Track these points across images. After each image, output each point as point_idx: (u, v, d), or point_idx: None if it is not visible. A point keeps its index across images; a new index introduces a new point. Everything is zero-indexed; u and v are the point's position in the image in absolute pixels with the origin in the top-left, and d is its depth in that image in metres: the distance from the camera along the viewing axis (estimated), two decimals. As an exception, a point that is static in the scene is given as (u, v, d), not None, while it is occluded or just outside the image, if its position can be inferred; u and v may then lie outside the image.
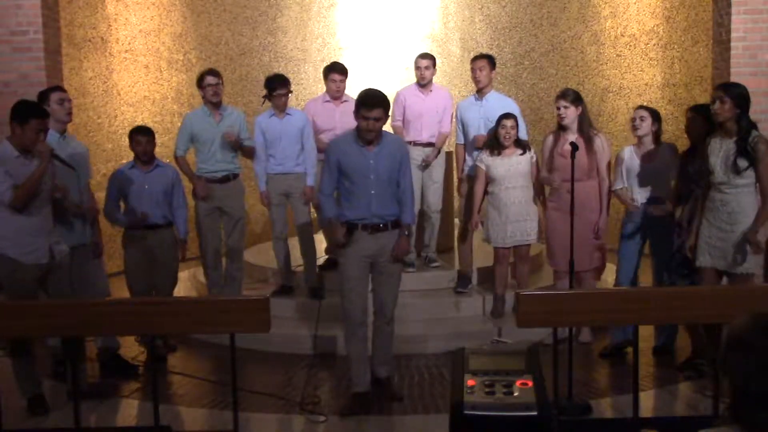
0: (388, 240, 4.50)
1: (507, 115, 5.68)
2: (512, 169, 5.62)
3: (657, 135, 5.21)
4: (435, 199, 6.39)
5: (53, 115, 4.76)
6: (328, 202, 4.55)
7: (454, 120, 6.52)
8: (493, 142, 5.68)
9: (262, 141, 6.09)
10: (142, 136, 5.34)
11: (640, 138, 5.20)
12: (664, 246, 5.07)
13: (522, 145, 5.70)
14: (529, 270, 5.98)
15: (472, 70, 6.04)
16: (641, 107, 5.29)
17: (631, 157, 5.24)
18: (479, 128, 5.99)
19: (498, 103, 6.04)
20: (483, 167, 5.69)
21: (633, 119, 5.22)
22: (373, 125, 4.33)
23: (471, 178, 6.03)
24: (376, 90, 4.45)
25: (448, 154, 6.65)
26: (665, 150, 5.20)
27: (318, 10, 9.51)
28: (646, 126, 5.15)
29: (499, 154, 5.65)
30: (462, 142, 6.21)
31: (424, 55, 6.42)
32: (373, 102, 4.31)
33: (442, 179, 6.45)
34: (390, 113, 4.64)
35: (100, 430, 4.41)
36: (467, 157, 6.13)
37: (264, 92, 6.11)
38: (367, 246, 4.46)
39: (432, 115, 6.33)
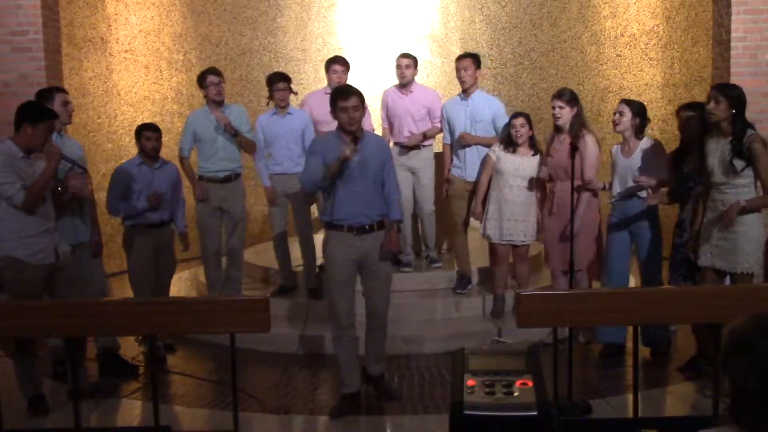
0: (375, 241, 4.42)
1: (517, 114, 5.70)
2: (520, 168, 5.62)
3: (639, 129, 5.19)
4: (426, 202, 6.36)
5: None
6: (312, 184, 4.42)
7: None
8: (508, 140, 5.68)
9: (262, 139, 6.09)
10: (151, 132, 5.39)
11: (621, 134, 5.21)
12: (647, 244, 5.10)
13: (535, 148, 5.69)
14: (528, 270, 5.98)
15: (457, 69, 6.01)
16: (622, 101, 5.27)
17: (616, 154, 5.27)
18: (465, 128, 5.98)
19: (484, 102, 6.03)
20: (493, 157, 5.69)
21: (614, 113, 5.23)
22: (353, 114, 4.29)
23: (453, 179, 6.05)
24: (349, 84, 4.48)
25: (438, 155, 6.61)
26: (649, 147, 5.17)
27: (318, 10, 9.51)
28: (626, 121, 5.15)
29: (513, 151, 5.64)
30: (449, 142, 6.15)
31: (405, 55, 6.37)
32: (347, 90, 4.34)
33: (431, 181, 6.38)
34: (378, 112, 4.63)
35: (100, 430, 4.41)
36: (453, 158, 6.11)
37: (268, 93, 6.13)
38: (353, 248, 4.38)
39: (413, 115, 6.27)
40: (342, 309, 4.42)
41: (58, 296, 4.45)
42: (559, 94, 5.36)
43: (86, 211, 5.03)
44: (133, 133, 8.28)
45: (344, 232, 4.37)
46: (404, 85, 6.32)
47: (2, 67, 6.53)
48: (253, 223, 8.87)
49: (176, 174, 5.59)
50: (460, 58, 6.06)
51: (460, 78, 5.99)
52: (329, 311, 4.54)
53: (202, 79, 5.98)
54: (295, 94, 6.35)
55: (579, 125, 5.35)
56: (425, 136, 6.29)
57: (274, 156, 6.08)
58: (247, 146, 6.07)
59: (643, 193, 5.10)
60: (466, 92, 6.02)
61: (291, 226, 6.33)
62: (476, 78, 6.02)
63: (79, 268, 4.82)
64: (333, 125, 6.10)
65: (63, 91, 5.15)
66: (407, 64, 6.29)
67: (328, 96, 6.28)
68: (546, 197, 5.63)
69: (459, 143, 5.99)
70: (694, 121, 4.83)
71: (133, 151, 8.29)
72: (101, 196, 5.69)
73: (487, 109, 5.95)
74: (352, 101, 4.29)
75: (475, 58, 6.03)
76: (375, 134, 4.85)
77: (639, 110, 5.18)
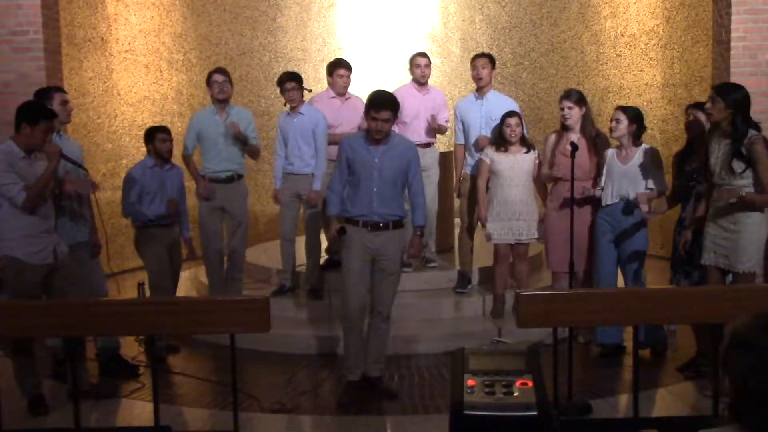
0: (389, 239, 4.55)
1: (511, 113, 5.69)
2: (516, 167, 5.62)
3: (636, 135, 5.16)
4: (430, 201, 6.33)
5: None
6: (334, 199, 4.63)
7: (452, 119, 6.50)
8: (499, 140, 5.68)
9: (281, 139, 6.12)
10: (165, 134, 5.45)
11: (618, 139, 5.20)
12: (632, 249, 5.10)
13: (527, 144, 5.70)
14: (528, 269, 5.97)
15: (474, 68, 6.03)
16: (618, 108, 5.26)
17: (611, 158, 5.24)
18: (480, 127, 5.99)
19: (498, 102, 6.04)
20: (487, 161, 5.69)
21: (610, 120, 5.23)
22: (381, 126, 4.43)
23: (472, 177, 6.03)
24: (386, 91, 4.58)
25: (443, 155, 6.61)
26: (643, 153, 5.15)
27: (318, 10, 9.51)
28: (622, 128, 5.13)
29: (505, 151, 5.64)
30: (462, 142, 6.19)
31: (423, 54, 6.45)
32: (382, 103, 4.42)
33: (436, 180, 6.42)
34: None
35: (100, 430, 4.41)
36: (468, 157, 6.13)
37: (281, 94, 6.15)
38: (368, 242, 4.52)
39: (429, 114, 6.33)
40: (355, 299, 4.53)
41: (56, 296, 4.45)
42: (567, 95, 5.36)
43: (85, 211, 5.03)
44: (133, 133, 8.39)
45: (359, 227, 4.52)
46: (422, 84, 6.36)
47: (2, 67, 6.53)
48: (254, 223, 8.87)
49: (182, 177, 5.64)
50: (477, 57, 6.08)
51: (477, 76, 6.01)
52: (343, 302, 4.61)
53: (208, 78, 6.01)
54: (309, 91, 6.35)
55: (591, 124, 5.37)
56: (440, 130, 6.39)
57: (287, 156, 6.10)
58: (252, 152, 6.10)
59: (644, 207, 5.11)
60: (480, 91, 6.05)
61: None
62: (491, 78, 6.07)
63: (77, 268, 4.82)
64: (340, 129, 6.16)
65: (61, 90, 5.16)
66: (426, 63, 6.40)
67: (332, 101, 6.37)
68: (547, 196, 5.62)
69: (476, 147, 6.00)
70: (698, 121, 4.83)
71: (133, 151, 8.36)
72: (101, 197, 5.69)
73: (501, 109, 5.96)
74: (384, 114, 4.41)
75: (491, 58, 6.07)
76: (403, 138, 4.87)
77: (635, 116, 5.16)
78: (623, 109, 5.24)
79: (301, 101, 6.08)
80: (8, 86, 6.48)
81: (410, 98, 6.36)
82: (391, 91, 4.59)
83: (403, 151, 4.57)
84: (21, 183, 4.24)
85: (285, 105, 6.19)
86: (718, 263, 4.49)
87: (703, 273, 4.66)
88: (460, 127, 6.15)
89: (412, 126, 6.33)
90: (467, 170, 6.12)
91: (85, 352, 4.91)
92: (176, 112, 8.86)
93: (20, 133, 4.31)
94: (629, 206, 5.11)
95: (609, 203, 5.18)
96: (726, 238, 4.42)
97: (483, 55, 6.12)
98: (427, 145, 6.33)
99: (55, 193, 4.57)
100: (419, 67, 6.35)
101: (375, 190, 4.49)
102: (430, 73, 6.45)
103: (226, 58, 9.06)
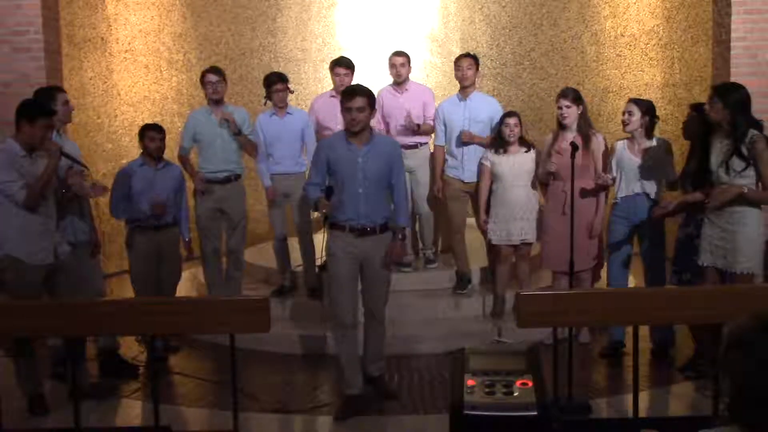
0: (376, 243, 4.43)
1: (510, 113, 5.69)
2: (517, 168, 5.62)
3: (649, 128, 5.17)
4: (423, 201, 6.32)
5: (58, 116, 4.80)
6: (314, 189, 4.43)
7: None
8: (498, 141, 5.67)
9: (263, 140, 6.09)
10: (155, 132, 5.35)
11: (631, 133, 5.19)
12: (651, 243, 5.10)
13: (527, 144, 5.69)
14: (529, 270, 5.97)
15: (459, 68, 5.97)
16: (631, 101, 5.25)
17: (622, 150, 5.22)
18: (463, 128, 5.96)
19: (482, 102, 6.03)
20: (488, 164, 5.69)
21: (623, 113, 5.22)
22: (356, 116, 4.27)
23: (450, 180, 6.02)
24: (359, 84, 4.47)
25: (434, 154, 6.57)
26: (658, 146, 5.18)
27: (318, 10, 9.50)
28: (635, 121, 5.13)
29: (504, 152, 5.64)
30: (442, 143, 6.11)
31: (399, 53, 6.33)
32: (352, 91, 4.32)
33: (426, 182, 6.30)
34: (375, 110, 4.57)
35: (100, 430, 4.41)
36: (447, 158, 6.08)
37: (265, 93, 6.12)
38: (354, 248, 4.40)
39: (410, 112, 6.20)
40: (344, 307, 4.43)
41: (57, 296, 4.45)
42: (564, 94, 5.35)
43: (86, 210, 5.03)
44: (133, 133, 8.37)
45: (345, 233, 4.39)
46: (399, 83, 6.30)
47: (2, 67, 6.53)
48: (253, 223, 8.86)
49: (180, 177, 5.55)
50: (462, 57, 6.03)
51: (462, 76, 5.96)
52: (331, 309, 4.53)
53: (202, 78, 6.00)
54: (293, 92, 6.34)
55: (587, 124, 5.36)
56: (419, 127, 6.18)
57: (274, 156, 6.08)
58: (249, 147, 6.07)
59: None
60: (464, 91, 6.01)
61: (290, 225, 6.33)
62: (475, 78, 6.02)
63: (77, 267, 4.82)
64: (328, 132, 6.13)
65: (62, 90, 5.18)
66: (402, 62, 6.25)
67: (334, 99, 6.33)
68: (547, 196, 5.62)
69: (459, 140, 5.97)
70: (693, 121, 4.84)
71: (133, 151, 8.34)
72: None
73: (485, 110, 5.95)
74: (356, 102, 4.26)
75: (475, 59, 6.03)
76: (386, 137, 4.83)
77: (648, 109, 5.16)
78: (636, 101, 5.22)
79: (287, 102, 6.08)
80: (8, 86, 6.48)
81: (388, 100, 6.32)
82: (364, 85, 4.46)
83: (386, 149, 4.45)
84: (21, 181, 4.24)
85: (265, 104, 6.17)
86: (716, 264, 4.49)
87: (697, 273, 4.66)
88: (442, 128, 6.08)
89: (392, 126, 6.29)
90: (447, 172, 6.08)
91: (85, 352, 4.92)
92: (176, 112, 8.86)
93: (20, 131, 4.32)
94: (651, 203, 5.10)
95: (623, 196, 5.18)
96: (724, 239, 4.41)
97: (467, 55, 6.06)
98: (413, 146, 6.23)
99: (59, 192, 4.56)
100: (394, 66, 6.25)
101: (361, 191, 4.34)
102: (407, 73, 6.30)
103: (226, 58, 9.05)
